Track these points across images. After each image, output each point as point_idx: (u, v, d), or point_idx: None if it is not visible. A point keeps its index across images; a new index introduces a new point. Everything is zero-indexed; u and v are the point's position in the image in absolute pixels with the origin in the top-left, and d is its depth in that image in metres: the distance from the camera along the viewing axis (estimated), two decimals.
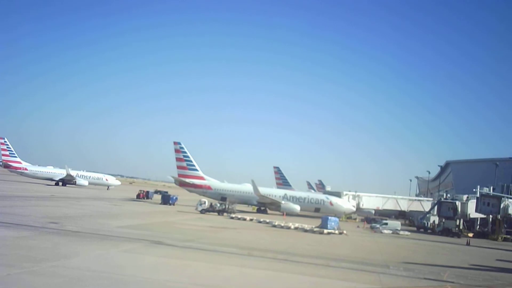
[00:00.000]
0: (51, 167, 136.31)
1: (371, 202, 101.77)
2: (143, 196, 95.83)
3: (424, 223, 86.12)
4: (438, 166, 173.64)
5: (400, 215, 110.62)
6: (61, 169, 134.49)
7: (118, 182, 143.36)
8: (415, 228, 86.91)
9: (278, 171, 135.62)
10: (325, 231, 56.58)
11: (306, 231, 57.50)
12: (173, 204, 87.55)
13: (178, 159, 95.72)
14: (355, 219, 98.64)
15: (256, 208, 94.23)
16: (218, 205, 74.27)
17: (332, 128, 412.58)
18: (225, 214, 72.48)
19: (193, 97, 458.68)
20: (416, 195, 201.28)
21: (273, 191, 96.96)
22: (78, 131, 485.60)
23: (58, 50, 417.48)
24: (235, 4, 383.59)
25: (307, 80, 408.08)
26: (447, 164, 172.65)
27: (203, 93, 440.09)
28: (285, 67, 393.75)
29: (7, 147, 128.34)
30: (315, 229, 57.31)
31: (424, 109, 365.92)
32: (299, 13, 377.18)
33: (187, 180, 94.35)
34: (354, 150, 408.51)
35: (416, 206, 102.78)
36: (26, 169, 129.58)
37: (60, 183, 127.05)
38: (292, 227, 59.77)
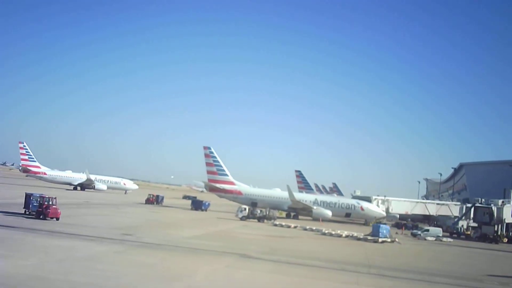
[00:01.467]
0: (70, 171, 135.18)
1: (400, 206, 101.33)
2: (153, 200, 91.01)
3: (457, 228, 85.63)
4: (452, 168, 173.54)
5: (425, 219, 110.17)
6: (79, 173, 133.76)
7: (135, 186, 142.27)
8: (447, 234, 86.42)
9: (299, 174, 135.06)
10: (380, 239, 55.98)
11: (359, 239, 56.95)
12: (206, 210, 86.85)
13: (208, 164, 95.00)
14: (384, 224, 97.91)
15: (285, 213, 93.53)
16: (259, 211, 73.50)
17: (337, 130, 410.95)
18: (265, 221, 71.72)
19: (199, 97, 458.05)
20: (422, 197, 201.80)
21: (304, 196, 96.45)
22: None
23: (62, 50, 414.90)
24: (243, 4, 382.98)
25: (315, 83, 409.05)
26: (461, 166, 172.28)
27: (207, 93, 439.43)
28: (291, 69, 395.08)
29: (26, 151, 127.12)
30: (369, 238, 56.68)
31: (430, 112, 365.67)
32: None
33: (218, 185, 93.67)
34: (361, 152, 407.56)
35: (444, 211, 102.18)
36: (45, 173, 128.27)
37: (79, 188, 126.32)
38: (343, 235, 59.25)
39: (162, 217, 64.28)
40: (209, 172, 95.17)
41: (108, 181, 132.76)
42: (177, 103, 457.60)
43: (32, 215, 45.54)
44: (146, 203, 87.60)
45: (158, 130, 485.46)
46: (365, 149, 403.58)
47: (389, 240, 57.34)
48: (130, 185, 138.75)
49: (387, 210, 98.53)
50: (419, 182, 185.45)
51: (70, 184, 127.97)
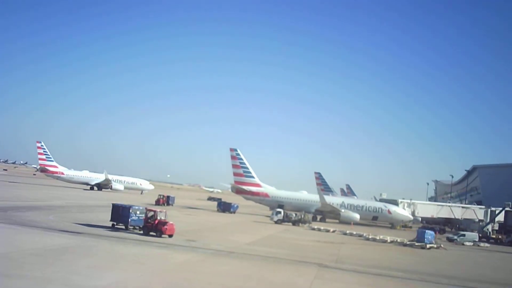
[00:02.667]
0: (87, 171, 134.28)
1: (426, 210, 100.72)
2: (163, 202, 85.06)
3: (487, 232, 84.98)
4: (465, 170, 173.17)
5: (447, 223, 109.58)
6: (96, 173, 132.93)
7: (151, 186, 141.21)
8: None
9: (319, 176, 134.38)
10: (427, 245, 55.27)
11: (405, 245, 56.13)
12: (234, 212, 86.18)
13: (234, 166, 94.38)
14: (410, 227, 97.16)
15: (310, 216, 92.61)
16: (294, 215, 72.64)
17: (344, 132, 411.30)
18: (300, 224, 70.95)
19: (202, 96, 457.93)
20: (429, 199, 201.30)
21: (331, 199, 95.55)
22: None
23: (65, 48, 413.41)
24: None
25: (321, 84, 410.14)
26: (474, 168, 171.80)
27: (210, 92, 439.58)
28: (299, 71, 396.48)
29: (44, 151, 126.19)
30: (416, 244, 55.93)
31: (436, 114, 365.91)
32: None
33: (244, 187, 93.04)
34: (368, 154, 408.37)
35: (469, 214, 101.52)
36: (62, 173, 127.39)
37: (95, 188, 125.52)
38: (388, 240, 58.52)
39: (202, 221, 63.68)
40: (235, 174, 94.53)
41: (124, 181, 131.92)
42: (176, 102, 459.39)
43: (127, 229, 40.61)
44: (155, 205, 79.57)
45: (160, 128, 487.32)
46: (372, 151, 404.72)
47: (435, 246, 56.65)
48: (146, 185, 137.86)
49: (412, 214, 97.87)
50: (427, 184, 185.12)
51: (87, 184, 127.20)
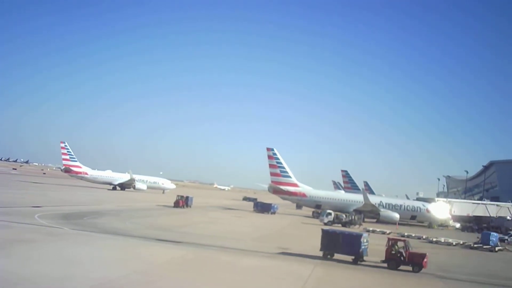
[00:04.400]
0: (110, 171, 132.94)
1: (462, 208, 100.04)
2: (183, 203, 77.53)
3: None
4: (482, 166, 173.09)
5: (477, 220, 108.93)
6: (119, 173, 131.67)
7: (173, 186, 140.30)
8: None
9: (346, 174, 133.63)
10: (496, 248, 54.53)
11: (472, 248, 55.22)
12: (274, 213, 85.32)
13: (271, 166, 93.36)
14: (446, 226, 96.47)
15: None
16: (344, 216, 71.74)
17: (344, 127, 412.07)
18: (351, 226, 69.97)
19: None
20: (437, 194, 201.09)
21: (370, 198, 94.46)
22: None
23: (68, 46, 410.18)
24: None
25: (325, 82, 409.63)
26: (491, 164, 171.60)
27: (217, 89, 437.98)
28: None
29: (68, 151, 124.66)
30: (484, 246, 55.12)
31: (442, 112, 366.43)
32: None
33: (282, 187, 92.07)
34: (378, 150, 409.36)
35: (504, 212, 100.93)
36: (86, 173, 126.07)
37: (118, 188, 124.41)
38: (453, 243, 57.68)
39: (260, 224, 62.95)
40: (272, 174, 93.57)
41: (147, 181, 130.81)
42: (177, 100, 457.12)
43: (358, 261, 33.20)
44: (174, 206, 75.11)
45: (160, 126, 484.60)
46: (380, 147, 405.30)
47: (502, 248, 55.96)
48: (168, 184, 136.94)
49: (449, 212, 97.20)
50: (438, 180, 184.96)
51: (110, 184, 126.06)
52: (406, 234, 64.05)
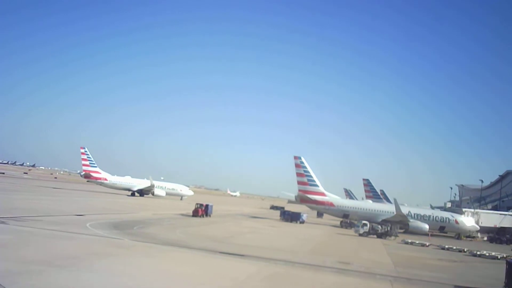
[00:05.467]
0: (129, 177, 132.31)
1: (490, 219, 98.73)
2: (203, 212, 71.14)
3: None
4: (499, 175, 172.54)
5: (500, 231, 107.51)
6: (138, 179, 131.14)
7: (191, 192, 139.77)
8: None
9: (368, 183, 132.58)
10: None
11: None
12: (303, 223, 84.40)
13: (298, 174, 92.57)
14: (474, 237, 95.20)
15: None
16: (380, 227, 70.62)
17: (352, 135, 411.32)
18: (387, 237, 68.94)
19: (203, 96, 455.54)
20: (447, 203, 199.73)
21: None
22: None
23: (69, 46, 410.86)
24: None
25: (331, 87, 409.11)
26: (508, 173, 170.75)
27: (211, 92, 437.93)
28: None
29: (88, 157, 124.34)
30: None
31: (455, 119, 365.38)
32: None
33: (309, 196, 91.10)
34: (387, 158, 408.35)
35: None
36: (106, 179, 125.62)
37: (137, 194, 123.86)
38: (498, 256, 56.45)
39: (299, 235, 62.17)
40: (299, 183, 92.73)
41: (165, 187, 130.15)
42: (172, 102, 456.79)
43: None
44: (193, 215, 69.04)
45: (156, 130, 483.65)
46: (391, 155, 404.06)
47: None
48: (186, 191, 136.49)
49: (476, 223, 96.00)
50: (451, 188, 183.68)
51: (129, 190, 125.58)
52: (446, 246, 63.08)
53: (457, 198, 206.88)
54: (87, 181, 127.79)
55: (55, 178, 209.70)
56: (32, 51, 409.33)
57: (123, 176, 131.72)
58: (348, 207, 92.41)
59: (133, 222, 50.49)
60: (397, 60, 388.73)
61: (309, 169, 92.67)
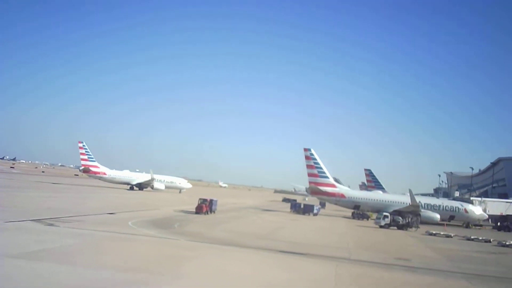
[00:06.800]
0: (127, 171, 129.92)
1: (496, 207, 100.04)
2: (207, 209, 62.56)
3: None
4: (490, 163, 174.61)
5: (503, 219, 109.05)
6: (136, 173, 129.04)
7: (189, 185, 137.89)
8: None
9: (369, 173, 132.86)
10: None
11: None
12: (316, 215, 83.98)
13: (308, 167, 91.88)
14: (481, 226, 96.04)
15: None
16: (401, 219, 70.52)
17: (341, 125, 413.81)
18: (408, 229, 68.88)
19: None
20: (434, 190, 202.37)
21: (405, 199, 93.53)
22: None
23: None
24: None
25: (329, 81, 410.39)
26: (499, 160, 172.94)
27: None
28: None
29: (86, 151, 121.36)
30: None
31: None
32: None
33: (320, 188, 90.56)
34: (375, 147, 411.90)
35: None
36: (104, 173, 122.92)
37: (136, 188, 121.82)
38: None
39: (327, 228, 61.74)
40: (310, 175, 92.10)
41: (164, 180, 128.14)
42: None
43: None
44: (196, 212, 60.40)
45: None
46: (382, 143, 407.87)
47: None
48: (184, 184, 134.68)
49: (483, 211, 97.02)
50: (439, 176, 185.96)
51: (127, 183, 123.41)
52: (472, 237, 63.09)
53: (445, 185, 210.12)
54: (89, 176, 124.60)
55: (43, 172, 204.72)
56: (29, 50, 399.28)
57: (122, 170, 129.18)
58: (359, 198, 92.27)
59: (167, 219, 49.43)
60: (381, 48, 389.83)
61: (319, 161, 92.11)
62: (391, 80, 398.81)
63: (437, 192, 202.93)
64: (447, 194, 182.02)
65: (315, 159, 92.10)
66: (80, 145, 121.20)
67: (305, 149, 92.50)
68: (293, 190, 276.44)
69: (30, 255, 23.08)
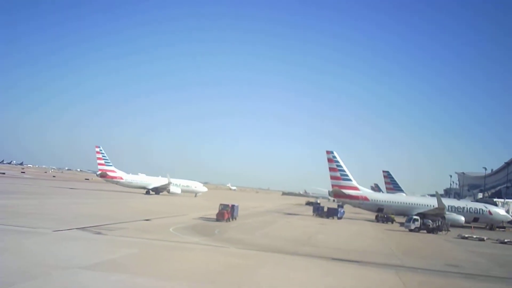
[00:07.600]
0: (144, 175, 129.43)
1: None
2: (229, 215, 56.69)
3: None
4: (504, 162, 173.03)
5: None
6: (153, 177, 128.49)
7: (205, 189, 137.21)
8: None
9: (388, 175, 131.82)
10: None
11: None
12: (341, 218, 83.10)
13: (331, 169, 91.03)
14: (505, 227, 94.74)
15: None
16: (431, 222, 69.53)
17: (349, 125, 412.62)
18: (438, 232, 67.80)
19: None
20: (445, 190, 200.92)
21: (429, 201, 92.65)
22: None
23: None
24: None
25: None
26: None
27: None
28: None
29: (103, 156, 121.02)
30: None
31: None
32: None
33: (344, 191, 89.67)
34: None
35: None
36: (121, 178, 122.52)
37: (152, 192, 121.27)
38: None
39: (358, 233, 60.90)
40: (332, 178, 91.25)
41: (180, 184, 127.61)
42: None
43: None
44: (217, 220, 54.78)
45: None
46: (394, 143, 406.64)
47: None
48: (200, 187, 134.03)
49: (507, 212, 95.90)
50: (450, 176, 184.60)
51: (144, 188, 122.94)
52: (506, 240, 62.10)
53: (457, 186, 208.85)
54: (106, 181, 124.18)
55: (54, 176, 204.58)
56: (31, 49, 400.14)
57: (137, 174, 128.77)
58: (382, 201, 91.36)
59: (204, 226, 48.72)
60: (396, 50, 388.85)
61: (341, 163, 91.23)
62: (390, 80, 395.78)
63: (448, 193, 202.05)
64: (458, 195, 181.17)
65: (338, 161, 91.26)
66: (97, 149, 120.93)
67: (328, 152, 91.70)
68: (300, 192, 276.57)
69: (101, 266, 22.48)
